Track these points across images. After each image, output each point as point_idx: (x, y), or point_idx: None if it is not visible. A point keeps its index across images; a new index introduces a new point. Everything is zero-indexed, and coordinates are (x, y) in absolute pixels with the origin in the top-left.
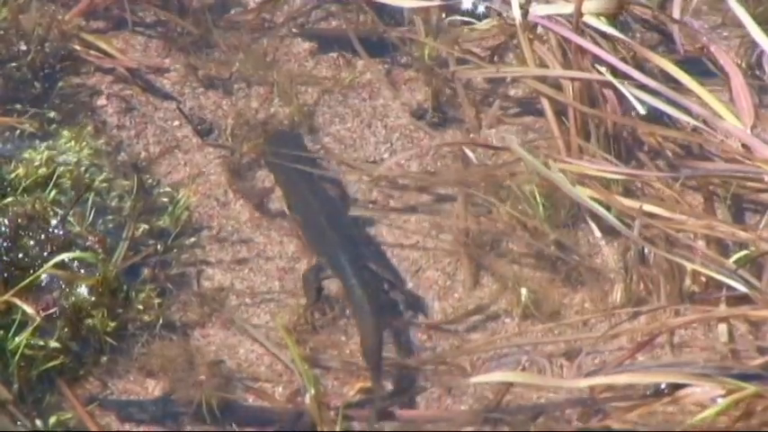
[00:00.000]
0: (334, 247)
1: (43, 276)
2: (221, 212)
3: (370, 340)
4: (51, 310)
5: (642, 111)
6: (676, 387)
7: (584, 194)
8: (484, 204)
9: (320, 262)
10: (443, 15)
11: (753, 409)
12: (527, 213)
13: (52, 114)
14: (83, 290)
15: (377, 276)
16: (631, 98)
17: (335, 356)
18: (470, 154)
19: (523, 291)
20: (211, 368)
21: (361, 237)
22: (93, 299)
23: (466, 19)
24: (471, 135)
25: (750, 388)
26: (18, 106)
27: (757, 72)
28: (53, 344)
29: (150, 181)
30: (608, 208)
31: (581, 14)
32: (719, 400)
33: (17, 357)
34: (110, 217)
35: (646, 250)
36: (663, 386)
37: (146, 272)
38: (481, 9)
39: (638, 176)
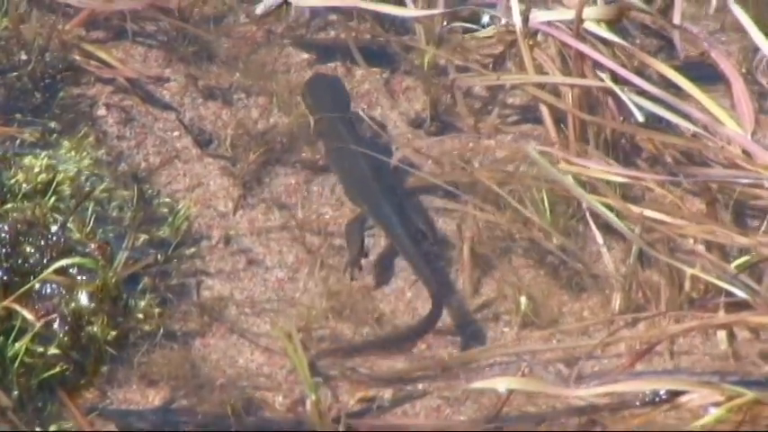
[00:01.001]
0: (378, 197)
1: (43, 283)
2: (221, 223)
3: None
4: (51, 317)
5: (641, 118)
6: (676, 394)
7: (591, 198)
8: (486, 209)
9: (363, 212)
10: (445, 23)
11: (757, 415)
12: (531, 219)
13: (53, 124)
14: (83, 296)
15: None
16: (630, 105)
17: (337, 365)
18: (472, 160)
19: (523, 299)
20: (212, 377)
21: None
22: (93, 306)
23: (467, 26)
24: (471, 143)
25: (750, 394)
26: (19, 116)
27: (758, 78)
28: (53, 351)
29: (150, 191)
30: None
31: (581, 21)
32: (718, 408)
33: (17, 364)
34: (110, 227)
35: (645, 257)
36: (662, 393)
37: (146, 281)
38: (484, 18)
39: (641, 180)
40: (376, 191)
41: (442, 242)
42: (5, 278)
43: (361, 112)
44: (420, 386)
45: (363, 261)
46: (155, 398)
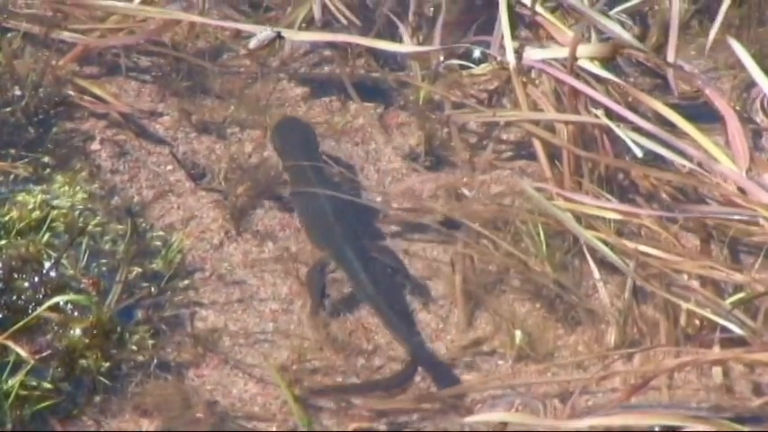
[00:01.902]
0: (339, 240)
1: (37, 319)
2: (214, 255)
3: (392, 324)
4: (45, 353)
5: (639, 153)
6: (671, 429)
7: (587, 233)
8: (480, 244)
9: (325, 257)
10: (441, 59)
11: None
12: (527, 252)
13: (46, 159)
14: (76, 332)
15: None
16: (628, 141)
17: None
18: (467, 194)
19: (518, 333)
20: (206, 408)
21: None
22: (86, 340)
23: (462, 63)
24: (465, 179)
25: (745, 430)
26: (12, 151)
27: (752, 115)
28: (47, 384)
29: (144, 224)
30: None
31: (575, 58)
32: None
33: (11, 398)
34: (103, 260)
35: (640, 292)
36: (657, 429)
37: (139, 314)
38: (476, 54)
39: (636, 215)
40: (338, 234)
41: (436, 275)
42: (0, 315)
43: (326, 159)
44: (415, 419)
45: (326, 301)
46: (148, 428)
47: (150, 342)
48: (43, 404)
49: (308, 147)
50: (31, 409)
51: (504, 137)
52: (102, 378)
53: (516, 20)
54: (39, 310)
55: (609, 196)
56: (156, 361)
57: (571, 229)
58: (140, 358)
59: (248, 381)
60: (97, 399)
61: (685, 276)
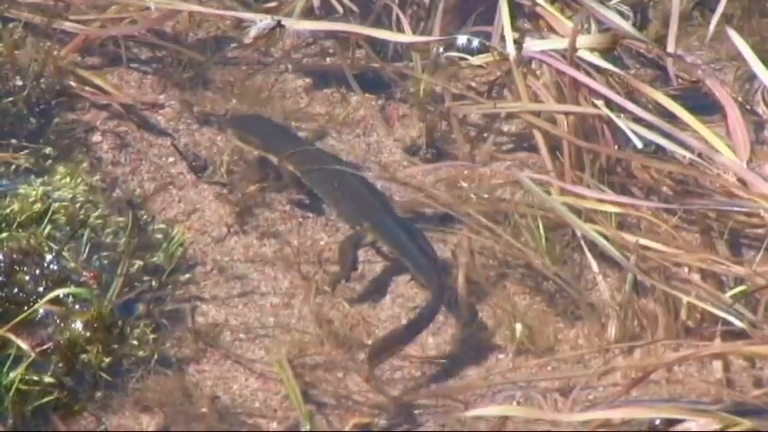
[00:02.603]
0: (379, 212)
1: (38, 311)
2: (216, 249)
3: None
4: (46, 346)
5: (640, 144)
6: (672, 422)
7: (586, 226)
8: (481, 238)
9: (360, 231)
10: (441, 51)
11: None
12: (526, 246)
13: (48, 150)
14: (77, 325)
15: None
16: (628, 131)
17: (332, 392)
18: (467, 187)
19: (518, 326)
20: (210, 402)
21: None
22: (87, 334)
23: (462, 55)
24: (466, 171)
25: (746, 423)
26: (14, 141)
27: (753, 106)
28: (48, 379)
29: (145, 217)
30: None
31: (575, 49)
32: None
33: (12, 392)
34: (105, 253)
35: (640, 286)
36: (657, 422)
37: (140, 308)
38: (475, 44)
39: (636, 208)
40: (377, 207)
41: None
42: (0, 308)
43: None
44: (416, 413)
45: (353, 274)
46: (149, 424)
47: (151, 337)
48: (44, 399)
49: (288, 132)
50: (32, 405)
51: (505, 128)
52: (103, 373)
53: (516, 10)
54: (39, 302)
55: (608, 189)
56: (156, 356)
57: (569, 221)
58: (141, 353)
59: (249, 376)
60: (98, 394)
61: (686, 269)
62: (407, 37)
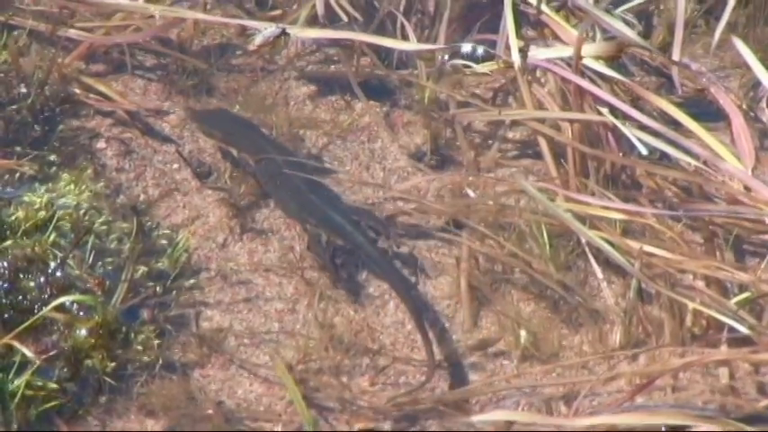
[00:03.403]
0: (324, 209)
1: (43, 318)
2: (220, 254)
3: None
4: (51, 353)
5: (645, 151)
6: (677, 429)
7: (591, 232)
8: (484, 244)
9: (311, 228)
10: (445, 58)
11: None
12: (531, 253)
13: (52, 157)
14: (82, 332)
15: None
16: (633, 139)
17: (336, 397)
18: (471, 194)
19: (522, 332)
20: (215, 405)
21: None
22: (92, 340)
23: (467, 62)
24: (471, 177)
25: (750, 430)
26: (18, 149)
27: (758, 114)
28: (52, 384)
29: (149, 223)
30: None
31: (580, 57)
32: None
33: (17, 398)
34: (109, 259)
35: (645, 292)
36: (663, 429)
37: (145, 313)
38: (481, 52)
39: (641, 215)
40: (318, 203)
41: (441, 275)
42: (5, 315)
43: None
44: (420, 419)
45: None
46: (153, 428)
47: (156, 342)
48: (49, 404)
49: (250, 126)
50: (37, 410)
51: (510, 136)
52: (107, 378)
53: (521, 19)
54: (44, 310)
55: (612, 196)
56: (161, 361)
57: (573, 228)
58: (146, 358)
59: (254, 381)
60: (103, 399)
61: (690, 276)
62: (412, 45)
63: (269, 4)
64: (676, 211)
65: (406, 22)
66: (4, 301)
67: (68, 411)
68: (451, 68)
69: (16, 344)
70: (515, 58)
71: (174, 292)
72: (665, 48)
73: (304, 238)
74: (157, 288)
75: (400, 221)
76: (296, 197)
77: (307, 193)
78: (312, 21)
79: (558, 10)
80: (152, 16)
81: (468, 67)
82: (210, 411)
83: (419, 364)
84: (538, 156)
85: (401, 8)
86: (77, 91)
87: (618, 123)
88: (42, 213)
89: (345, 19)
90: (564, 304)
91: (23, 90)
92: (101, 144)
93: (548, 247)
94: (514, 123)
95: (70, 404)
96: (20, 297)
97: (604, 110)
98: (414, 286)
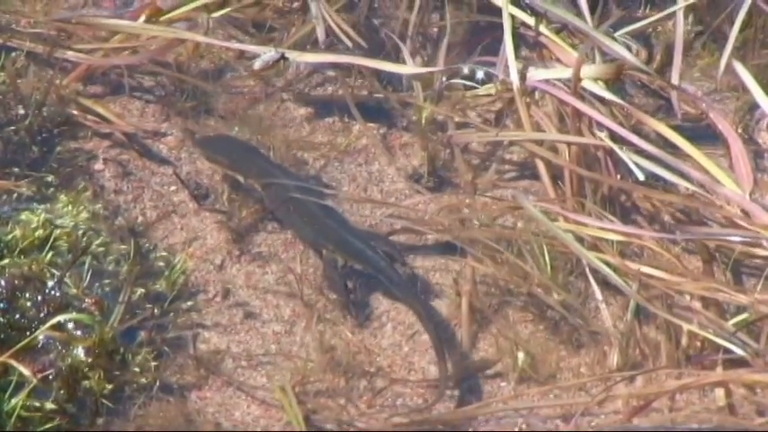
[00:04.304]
0: (342, 234)
1: (40, 338)
2: (217, 276)
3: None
4: (47, 372)
5: (641, 176)
6: None
7: (589, 254)
8: (484, 265)
9: (327, 253)
10: (443, 80)
11: None
12: (530, 274)
13: (50, 178)
14: (79, 351)
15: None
16: (630, 163)
17: (333, 419)
18: (470, 215)
19: (520, 354)
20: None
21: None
22: (89, 360)
23: (466, 83)
24: (468, 199)
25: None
26: (16, 170)
27: (756, 138)
28: (49, 405)
29: (147, 245)
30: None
31: (579, 79)
32: None
33: (13, 419)
34: (106, 281)
35: (643, 314)
36: None
37: (142, 335)
38: (480, 74)
39: (639, 237)
40: (334, 228)
41: (440, 297)
42: (2, 334)
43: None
44: None
45: (352, 297)
46: None
47: (153, 364)
48: (46, 426)
49: (254, 151)
50: (35, 431)
51: (508, 157)
52: (104, 400)
53: (520, 41)
54: (41, 329)
55: (611, 217)
56: (158, 383)
57: (573, 249)
58: (143, 380)
59: (251, 403)
60: (100, 421)
61: (688, 298)
62: (412, 68)
63: (267, 26)
64: (674, 233)
65: (402, 46)
66: (0, 319)
67: None
68: (450, 90)
69: (13, 363)
70: (514, 79)
71: (172, 314)
72: (664, 70)
73: (304, 261)
74: (155, 310)
75: (399, 243)
76: (311, 222)
77: (323, 218)
78: (312, 44)
79: (557, 32)
80: (150, 39)
81: (468, 88)
82: None
83: (418, 385)
84: (535, 177)
85: (401, 32)
86: (75, 112)
87: (615, 148)
88: (40, 232)
89: (348, 43)
90: (563, 325)
91: (21, 111)
92: (98, 165)
93: (548, 267)
94: (512, 145)
95: (68, 426)
96: (17, 316)
97: (602, 133)
98: (434, 311)
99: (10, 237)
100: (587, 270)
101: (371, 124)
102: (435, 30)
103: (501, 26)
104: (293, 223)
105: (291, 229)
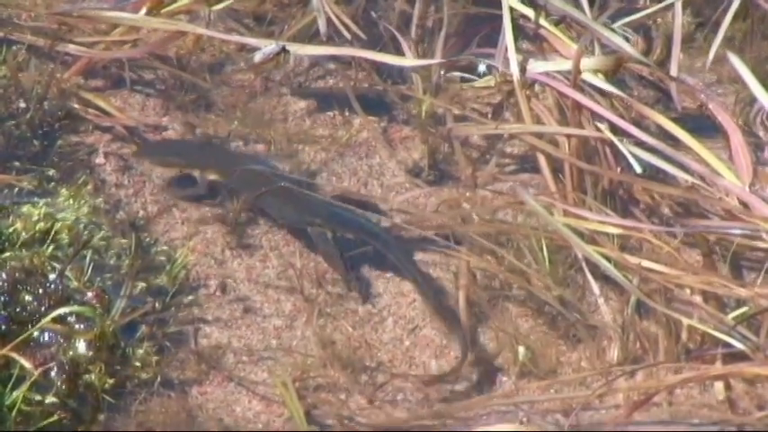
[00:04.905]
0: (328, 206)
1: (41, 331)
2: (218, 271)
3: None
4: (49, 365)
5: (639, 169)
6: None
7: (588, 248)
8: (483, 260)
9: (317, 229)
10: (442, 72)
11: None
12: (529, 268)
13: (51, 172)
14: (80, 345)
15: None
16: (629, 156)
17: (334, 414)
18: (470, 209)
19: (521, 349)
20: (209, 425)
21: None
22: (90, 354)
23: (465, 76)
24: (468, 193)
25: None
26: (17, 164)
27: (755, 129)
28: (50, 399)
29: (148, 239)
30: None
31: (579, 71)
32: None
33: (14, 413)
34: (108, 275)
35: (642, 308)
36: None
37: (143, 329)
38: (480, 67)
39: (638, 230)
40: (314, 201)
41: (439, 291)
42: (3, 327)
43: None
44: None
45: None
46: None
47: (154, 359)
48: (47, 420)
49: (207, 144)
50: (36, 427)
51: (508, 150)
52: (106, 395)
53: (520, 33)
54: (42, 321)
55: (610, 211)
56: (159, 378)
57: (572, 243)
58: (144, 375)
59: (252, 398)
60: (101, 416)
61: (687, 291)
62: (411, 61)
63: (268, 19)
64: (673, 226)
65: (402, 39)
66: (2, 312)
67: (67, 428)
68: (449, 83)
69: (14, 355)
70: (514, 71)
71: (173, 309)
72: (664, 62)
73: (304, 255)
74: (156, 304)
75: (398, 236)
76: (291, 200)
77: (303, 194)
78: (312, 37)
79: (556, 24)
80: (151, 32)
81: (467, 81)
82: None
83: (418, 381)
84: (536, 170)
85: (399, 24)
86: (76, 106)
87: (615, 140)
88: (41, 225)
89: (347, 36)
90: (562, 320)
91: (22, 105)
92: (100, 159)
93: (546, 262)
94: (512, 138)
95: (69, 421)
96: (18, 309)
97: (602, 125)
98: (431, 278)
99: (11, 230)
100: (585, 264)
101: (372, 117)
102: (432, 21)
103: (498, 18)
104: (271, 205)
105: (271, 211)
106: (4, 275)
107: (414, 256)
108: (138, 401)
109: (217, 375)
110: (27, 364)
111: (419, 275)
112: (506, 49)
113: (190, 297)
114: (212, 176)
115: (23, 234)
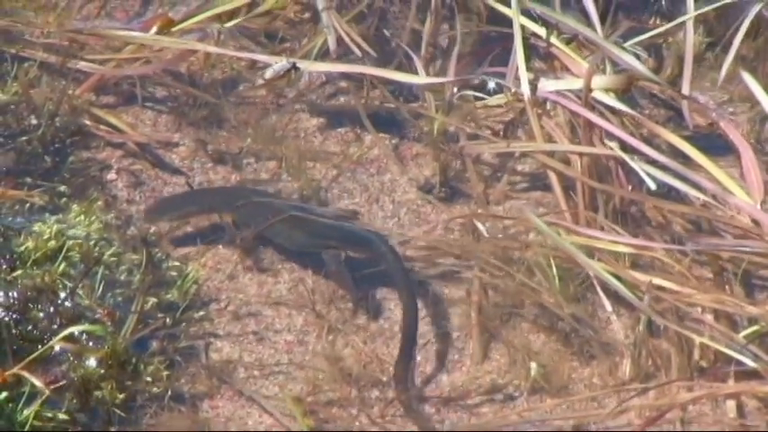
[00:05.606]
0: (340, 228)
1: (53, 349)
2: (229, 286)
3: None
4: (60, 383)
5: (653, 186)
6: None
7: (599, 266)
8: (494, 276)
9: (329, 252)
10: (455, 90)
11: None
12: (540, 285)
13: (62, 188)
14: (92, 362)
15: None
16: (642, 174)
17: (345, 429)
18: (481, 227)
19: (533, 365)
20: None
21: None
22: (101, 371)
23: (477, 94)
24: (480, 210)
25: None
26: (29, 180)
27: (766, 148)
28: (62, 415)
29: (159, 255)
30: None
31: (590, 90)
32: None
33: (26, 429)
34: (119, 290)
35: (654, 325)
36: None
37: (154, 344)
38: (491, 85)
39: (650, 249)
40: (321, 224)
41: (451, 307)
42: (15, 345)
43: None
44: None
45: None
46: None
47: (165, 373)
48: None
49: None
50: None
51: (519, 168)
52: (117, 410)
53: (531, 51)
54: (54, 340)
55: (621, 230)
56: (170, 393)
57: (581, 263)
58: (155, 390)
59: (263, 413)
60: (112, 430)
61: (699, 309)
62: (423, 79)
63: (279, 37)
64: (685, 245)
65: (414, 56)
66: (13, 331)
67: None
68: (461, 101)
69: (26, 374)
70: (525, 90)
71: (184, 324)
72: (675, 81)
73: (315, 271)
74: (167, 319)
75: (410, 254)
76: (301, 226)
77: (313, 219)
78: (324, 54)
79: (568, 42)
80: (162, 49)
81: (479, 99)
82: None
83: (429, 398)
84: (547, 188)
85: (411, 42)
86: (88, 122)
87: (626, 158)
88: (52, 243)
89: (358, 53)
90: (574, 337)
91: (34, 121)
92: (111, 176)
93: (557, 279)
94: (524, 156)
95: None
96: (29, 327)
97: (613, 144)
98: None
99: (23, 248)
100: (596, 282)
101: (383, 135)
102: (446, 40)
103: (510, 36)
104: (279, 233)
105: (279, 239)
106: (15, 294)
107: (414, 279)
108: (148, 415)
109: (227, 390)
110: (38, 383)
111: (410, 300)
112: (517, 68)
113: (201, 312)
114: (228, 218)
115: (35, 252)
